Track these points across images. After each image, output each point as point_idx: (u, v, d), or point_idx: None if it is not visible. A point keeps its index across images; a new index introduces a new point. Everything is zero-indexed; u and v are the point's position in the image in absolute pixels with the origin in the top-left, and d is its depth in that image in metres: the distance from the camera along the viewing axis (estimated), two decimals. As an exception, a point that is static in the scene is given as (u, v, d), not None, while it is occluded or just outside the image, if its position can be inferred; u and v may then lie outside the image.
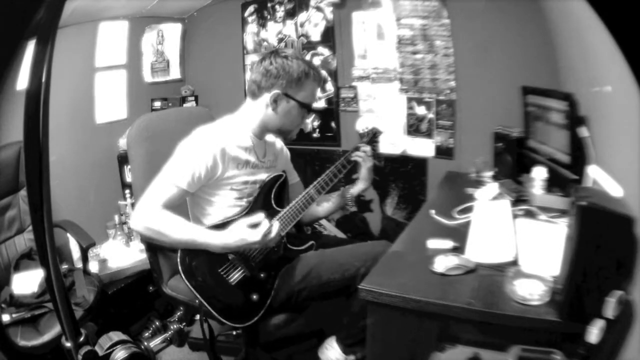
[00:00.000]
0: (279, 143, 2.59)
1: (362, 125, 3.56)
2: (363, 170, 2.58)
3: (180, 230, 2.09)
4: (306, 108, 2.30)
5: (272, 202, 2.38)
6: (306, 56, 3.78)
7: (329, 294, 2.28)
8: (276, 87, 2.22)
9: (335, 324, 2.43)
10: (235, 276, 2.17)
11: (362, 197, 3.77)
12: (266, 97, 2.24)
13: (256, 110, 2.30)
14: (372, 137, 2.73)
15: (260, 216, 2.12)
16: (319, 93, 2.34)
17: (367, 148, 2.57)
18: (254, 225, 2.09)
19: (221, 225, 2.18)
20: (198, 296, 2.11)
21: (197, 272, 2.13)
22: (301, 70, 2.22)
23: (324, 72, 3.73)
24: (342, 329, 2.36)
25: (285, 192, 2.46)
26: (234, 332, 2.55)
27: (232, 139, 2.24)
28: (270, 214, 2.30)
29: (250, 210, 2.29)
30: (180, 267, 2.12)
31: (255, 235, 2.07)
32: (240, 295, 2.16)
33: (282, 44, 3.93)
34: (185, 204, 2.37)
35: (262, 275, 2.21)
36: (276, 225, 2.15)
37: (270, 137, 2.47)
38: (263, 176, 2.37)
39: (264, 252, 2.24)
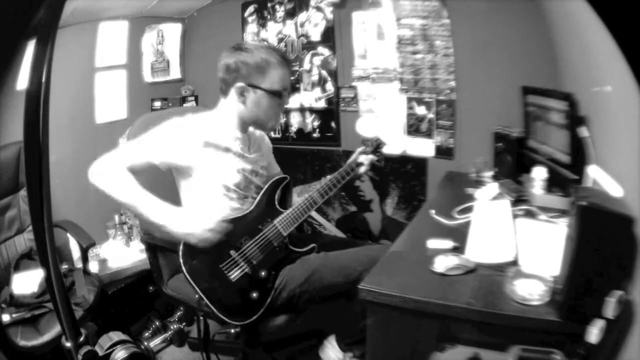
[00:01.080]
0: (262, 134, 2.59)
1: (367, 132, 3.56)
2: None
3: (131, 193, 2.11)
4: (276, 95, 2.27)
5: (276, 203, 2.38)
6: (306, 56, 3.80)
7: (330, 297, 2.29)
8: (239, 79, 2.22)
9: (334, 324, 2.43)
10: (236, 273, 2.17)
11: (362, 198, 3.78)
12: (233, 92, 2.25)
13: (229, 107, 2.30)
14: (376, 147, 2.72)
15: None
16: (289, 77, 2.31)
17: (367, 160, 2.57)
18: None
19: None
20: (198, 290, 2.11)
21: (198, 266, 2.13)
22: (261, 58, 2.21)
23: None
24: (342, 328, 2.37)
25: (289, 194, 2.47)
26: (232, 330, 2.55)
27: (214, 129, 2.26)
28: (274, 215, 2.31)
29: (253, 209, 2.31)
30: (181, 260, 2.12)
31: (197, 225, 2.08)
32: (239, 292, 2.16)
33: (282, 44, 3.93)
34: (174, 188, 2.37)
35: (262, 273, 2.21)
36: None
37: (254, 131, 2.48)
38: (249, 166, 2.36)
39: (265, 251, 2.24)
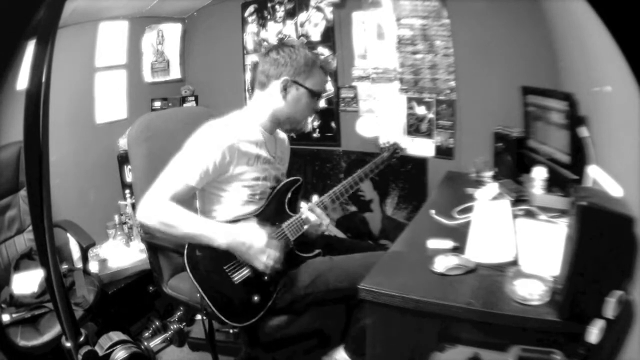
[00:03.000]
0: (285, 138, 2.58)
1: (367, 132, 3.57)
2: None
3: (188, 223, 2.07)
4: (316, 96, 2.29)
5: (286, 206, 2.37)
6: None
7: (333, 301, 2.28)
8: (285, 74, 2.22)
9: (336, 326, 2.43)
10: (240, 275, 2.15)
11: (363, 198, 3.79)
12: (275, 85, 2.24)
13: (266, 101, 2.28)
14: (393, 152, 2.75)
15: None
16: (328, 84, 2.32)
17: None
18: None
19: (232, 224, 2.17)
20: (200, 290, 2.10)
21: (202, 267, 2.12)
22: (309, 58, 2.24)
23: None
24: (349, 338, 2.36)
25: (299, 197, 2.45)
26: (231, 331, 2.55)
27: (242, 133, 2.22)
28: (283, 218, 2.30)
29: (262, 212, 2.29)
30: (186, 260, 2.11)
31: (260, 239, 2.07)
32: (241, 294, 2.15)
33: (288, 40, 3.93)
34: (192, 199, 2.36)
35: (266, 277, 2.19)
36: (276, 254, 2.12)
37: (279, 133, 2.47)
38: (273, 172, 2.36)
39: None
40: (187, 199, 2.17)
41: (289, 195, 2.38)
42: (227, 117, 2.33)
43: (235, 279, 2.14)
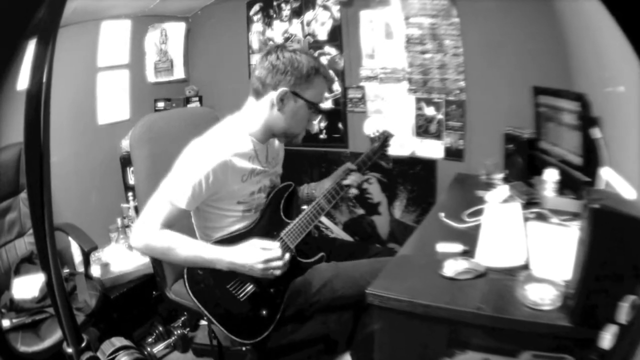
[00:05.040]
0: (277, 142, 2.46)
1: (373, 128, 3.57)
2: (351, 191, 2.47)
3: (185, 248, 2.06)
4: (314, 108, 2.17)
5: (281, 213, 2.33)
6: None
7: (340, 307, 2.27)
8: (283, 84, 2.07)
9: (343, 331, 2.42)
10: (244, 292, 2.14)
11: (370, 201, 3.78)
12: (272, 96, 2.10)
13: (260, 111, 2.16)
14: (384, 140, 2.65)
15: (274, 244, 2.10)
16: (327, 93, 2.25)
17: (356, 179, 2.46)
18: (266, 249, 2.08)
19: (229, 239, 2.16)
20: (206, 313, 2.10)
21: (205, 289, 2.12)
22: (311, 67, 2.09)
23: (331, 72, 3.73)
24: (356, 344, 2.35)
25: (294, 202, 2.42)
26: (243, 349, 2.54)
27: (233, 148, 2.13)
28: (281, 227, 2.27)
29: (258, 222, 2.26)
30: (187, 284, 2.11)
31: (263, 255, 2.05)
32: (249, 310, 2.14)
33: (289, 44, 3.93)
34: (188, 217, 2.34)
35: (271, 290, 2.18)
36: (279, 265, 2.09)
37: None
38: (267, 182, 2.32)
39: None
40: (180, 222, 2.14)
41: (283, 202, 2.34)
42: (215, 130, 2.23)
43: (240, 296, 2.14)
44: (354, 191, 2.43)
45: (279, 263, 2.07)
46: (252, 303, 2.15)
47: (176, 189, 2.06)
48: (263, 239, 2.14)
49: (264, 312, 2.15)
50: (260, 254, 2.05)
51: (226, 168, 2.09)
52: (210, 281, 2.11)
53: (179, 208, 2.05)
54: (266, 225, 2.27)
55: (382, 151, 2.66)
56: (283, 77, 2.08)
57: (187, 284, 2.11)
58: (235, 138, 2.18)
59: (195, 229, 2.37)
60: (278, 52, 2.11)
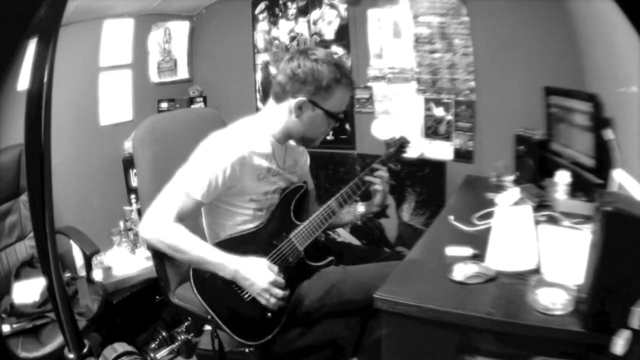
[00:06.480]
0: (300, 147, 2.49)
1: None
2: (378, 195, 2.49)
3: (195, 251, 2.06)
4: (333, 118, 2.21)
5: (292, 215, 2.34)
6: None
7: (348, 312, 2.26)
8: (302, 93, 2.12)
9: (350, 337, 2.43)
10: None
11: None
12: (290, 103, 2.14)
13: (279, 115, 2.21)
14: (400, 147, 2.65)
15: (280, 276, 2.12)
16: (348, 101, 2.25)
17: (385, 174, 2.46)
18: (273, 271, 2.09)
19: (239, 238, 2.19)
20: (210, 311, 2.11)
21: (210, 287, 2.12)
22: (332, 78, 2.11)
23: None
24: (364, 350, 2.35)
25: (305, 204, 2.44)
26: (246, 350, 2.55)
27: (252, 145, 2.17)
28: (290, 228, 2.28)
29: (268, 223, 2.27)
30: (193, 282, 2.12)
31: (269, 277, 2.06)
32: (254, 312, 2.14)
33: (294, 43, 3.95)
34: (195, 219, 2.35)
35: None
36: (279, 294, 2.10)
37: (291, 142, 2.40)
38: (283, 184, 2.34)
39: (280, 268, 2.18)
40: (193, 215, 2.16)
41: (294, 203, 2.36)
42: (236, 125, 2.29)
43: (246, 296, 2.14)
44: (378, 187, 2.45)
45: (280, 292, 2.08)
46: (257, 304, 2.14)
47: (193, 179, 2.07)
48: (272, 240, 2.18)
49: (269, 314, 2.15)
50: (266, 275, 2.06)
51: (244, 164, 2.12)
52: (216, 280, 2.11)
53: (194, 199, 2.06)
54: (276, 225, 2.28)
55: (397, 157, 2.67)
56: (302, 87, 2.12)
57: (192, 282, 2.12)
58: (255, 136, 2.22)
59: (205, 227, 2.38)
60: (300, 59, 2.13)
